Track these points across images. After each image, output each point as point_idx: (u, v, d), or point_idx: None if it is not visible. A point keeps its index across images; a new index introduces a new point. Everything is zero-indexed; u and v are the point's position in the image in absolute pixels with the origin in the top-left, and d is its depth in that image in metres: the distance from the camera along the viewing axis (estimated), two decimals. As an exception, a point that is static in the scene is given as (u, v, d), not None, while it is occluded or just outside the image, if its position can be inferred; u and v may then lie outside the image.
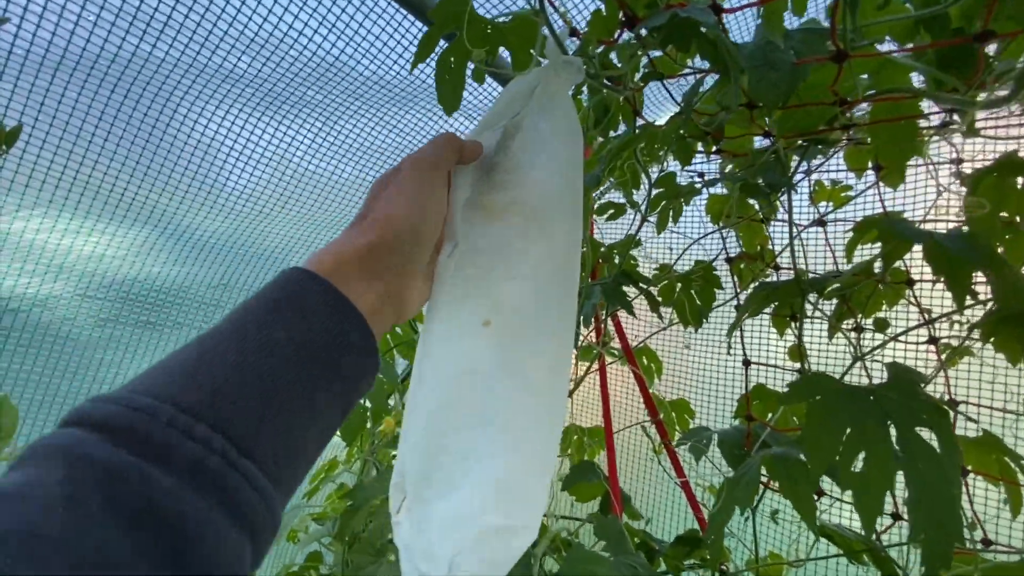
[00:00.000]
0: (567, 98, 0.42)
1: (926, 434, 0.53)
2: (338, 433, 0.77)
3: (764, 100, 0.45)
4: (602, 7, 0.48)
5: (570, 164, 0.41)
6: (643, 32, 0.45)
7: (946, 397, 0.70)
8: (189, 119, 0.76)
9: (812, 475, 0.56)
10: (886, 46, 0.52)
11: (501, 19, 0.44)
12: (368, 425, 0.74)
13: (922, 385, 0.60)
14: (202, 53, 0.68)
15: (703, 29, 0.45)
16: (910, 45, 0.49)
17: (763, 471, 0.64)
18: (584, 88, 0.67)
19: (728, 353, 0.79)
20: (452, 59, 0.45)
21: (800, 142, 0.67)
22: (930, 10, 0.42)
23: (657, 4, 0.45)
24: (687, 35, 0.46)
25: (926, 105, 0.59)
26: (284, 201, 0.90)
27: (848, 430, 0.55)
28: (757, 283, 0.89)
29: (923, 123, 0.58)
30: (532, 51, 0.47)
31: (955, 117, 0.55)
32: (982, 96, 0.41)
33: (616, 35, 0.48)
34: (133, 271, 0.89)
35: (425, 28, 0.73)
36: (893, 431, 0.54)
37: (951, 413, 0.53)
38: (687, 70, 0.55)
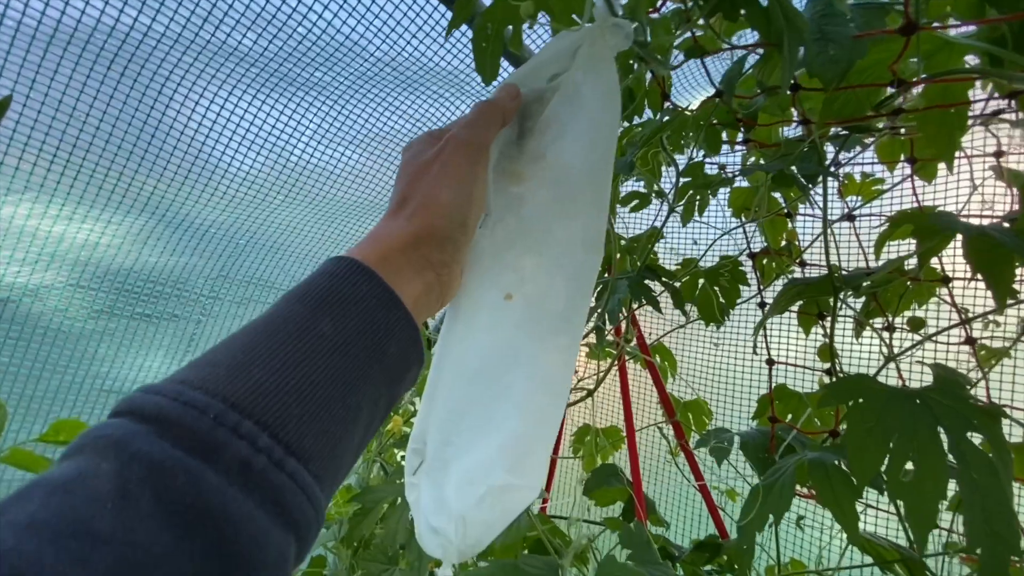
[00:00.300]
0: (611, 65, 0.39)
1: (975, 440, 0.50)
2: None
3: (822, 77, 0.41)
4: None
5: (606, 139, 0.38)
6: (691, 1, 0.42)
7: (985, 401, 0.66)
8: (190, 100, 0.72)
9: (858, 484, 0.53)
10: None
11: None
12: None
13: (968, 388, 0.57)
14: (204, 29, 0.64)
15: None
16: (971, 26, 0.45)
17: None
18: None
19: (754, 352, 0.75)
20: (490, 25, 0.41)
21: (837, 130, 0.63)
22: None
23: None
24: (739, 2, 0.42)
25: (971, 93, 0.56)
26: (288, 189, 0.86)
27: (896, 436, 0.51)
28: (784, 279, 0.86)
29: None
30: (575, 16, 0.43)
31: (1012, 104, 0.51)
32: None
33: (660, 4, 0.45)
34: (128, 261, 0.85)
35: (440, 5, 0.69)
36: (943, 437, 0.51)
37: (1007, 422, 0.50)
38: (726, 47, 0.51)
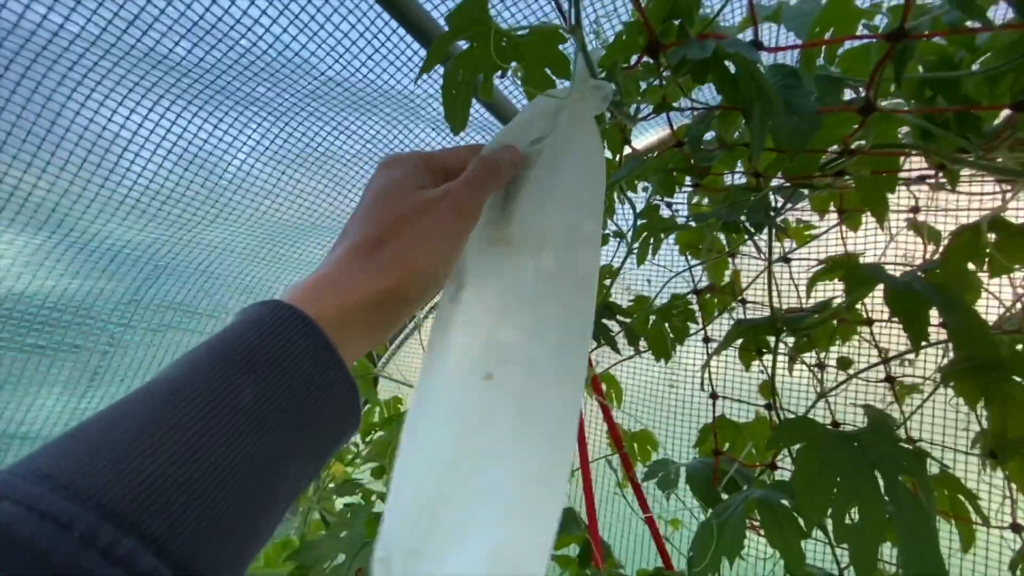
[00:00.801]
0: (594, 127, 0.38)
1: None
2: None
3: (786, 146, 0.43)
4: (621, 28, 0.44)
5: (592, 201, 0.37)
6: (665, 61, 0.42)
7: (904, 435, 0.73)
8: (106, 107, 0.63)
9: (807, 526, 0.55)
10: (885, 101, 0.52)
11: (519, 32, 0.39)
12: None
13: (896, 429, 0.61)
14: (128, 33, 0.57)
15: (729, 64, 0.43)
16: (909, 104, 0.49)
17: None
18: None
19: (702, 389, 0.78)
20: (461, 71, 0.39)
21: (781, 182, 0.67)
22: (945, 74, 0.42)
23: (686, 33, 0.42)
24: (710, 68, 0.43)
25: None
26: (220, 207, 0.78)
27: (839, 480, 0.54)
28: (727, 316, 0.90)
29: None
30: (547, 70, 0.42)
31: (938, 173, 0.57)
32: (999, 159, 0.41)
33: (633, 61, 0.45)
34: (20, 285, 0.73)
35: (400, 28, 0.66)
36: (879, 480, 0.54)
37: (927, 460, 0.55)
38: (694, 106, 0.53)
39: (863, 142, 0.48)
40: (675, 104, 0.52)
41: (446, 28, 0.41)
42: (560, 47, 0.40)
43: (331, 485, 0.73)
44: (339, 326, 0.24)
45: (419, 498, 0.28)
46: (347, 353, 0.24)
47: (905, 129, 0.57)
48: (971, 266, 0.59)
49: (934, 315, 0.59)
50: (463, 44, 0.44)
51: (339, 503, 0.74)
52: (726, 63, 0.43)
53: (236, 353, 0.20)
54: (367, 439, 0.82)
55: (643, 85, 0.53)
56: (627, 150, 0.66)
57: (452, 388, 0.31)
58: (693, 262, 0.84)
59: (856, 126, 0.46)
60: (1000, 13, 0.50)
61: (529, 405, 0.30)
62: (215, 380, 0.19)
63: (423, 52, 0.70)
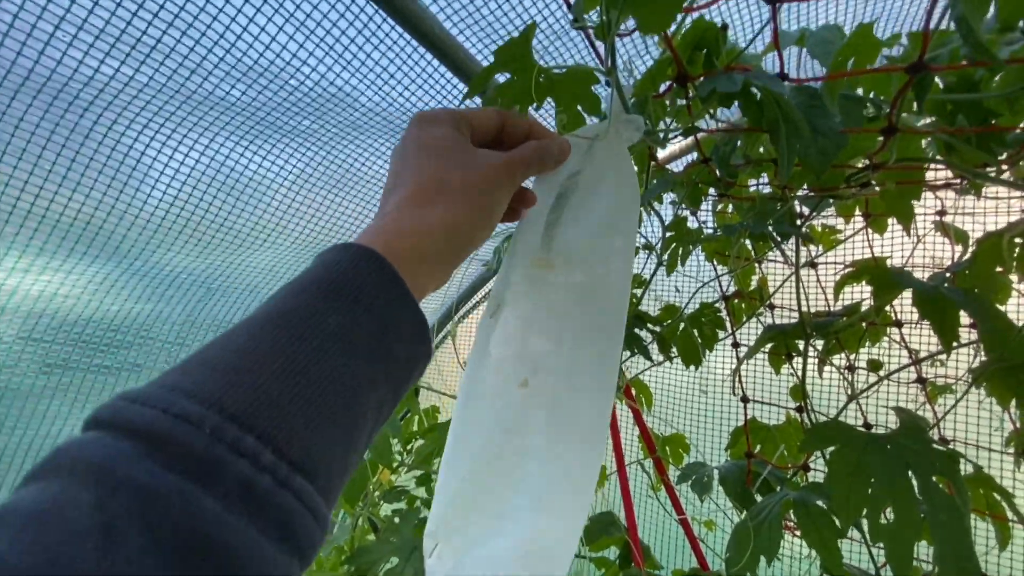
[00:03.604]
0: (627, 158, 0.42)
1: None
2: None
3: (812, 168, 0.45)
4: (651, 62, 0.47)
5: (627, 223, 0.40)
6: (695, 92, 0.45)
7: (936, 436, 0.74)
8: (167, 148, 0.69)
9: (842, 526, 0.57)
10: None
11: (557, 70, 0.42)
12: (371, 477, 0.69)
13: (928, 430, 0.62)
14: (191, 79, 0.62)
15: (755, 92, 0.46)
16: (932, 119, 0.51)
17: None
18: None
19: (733, 393, 0.80)
20: (500, 101, 0.43)
21: (810, 194, 0.69)
22: (966, 96, 0.44)
23: (712, 63, 0.45)
24: (737, 95, 0.46)
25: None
26: (268, 232, 0.83)
27: (874, 481, 0.56)
28: (755, 322, 0.91)
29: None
30: (579, 107, 0.46)
31: (961, 181, 0.58)
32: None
33: (663, 88, 0.48)
34: (88, 311, 0.79)
35: (435, 59, 0.70)
36: (913, 480, 0.55)
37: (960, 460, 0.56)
38: (719, 127, 0.55)
39: (886, 158, 0.50)
40: (700, 125, 0.55)
41: (483, 61, 0.44)
42: (592, 87, 0.43)
43: (377, 493, 0.77)
44: (408, 261, 0.26)
45: (463, 487, 0.32)
46: (417, 287, 0.26)
47: (928, 139, 0.59)
48: (999, 269, 0.61)
49: (964, 316, 0.61)
50: (503, 77, 0.47)
51: (385, 509, 0.78)
52: (752, 90, 0.46)
53: (320, 287, 0.23)
54: (408, 448, 0.86)
55: (669, 106, 0.56)
56: (652, 164, 0.69)
57: (491, 394, 0.34)
58: (721, 270, 0.86)
59: (880, 146, 0.48)
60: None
61: (562, 409, 0.33)
62: (303, 308, 0.22)
63: (456, 81, 0.74)
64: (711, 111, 0.56)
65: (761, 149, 0.64)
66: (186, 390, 0.18)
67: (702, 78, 0.44)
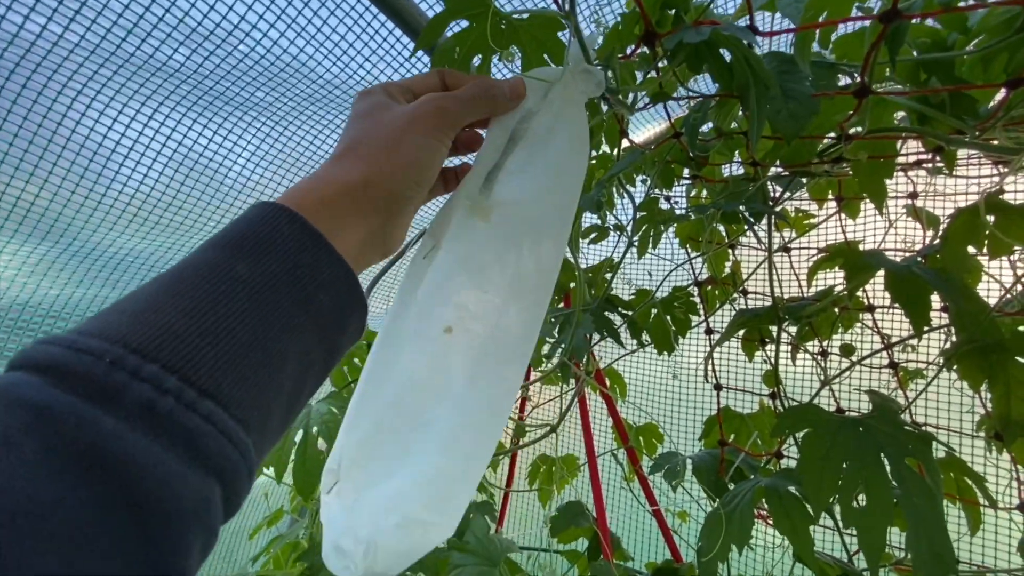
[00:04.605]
0: (581, 109, 0.39)
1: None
2: (290, 481, 0.67)
3: (784, 132, 0.43)
4: (619, 18, 0.44)
5: (572, 180, 0.38)
6: (661, 49, 0.42)
7: (908, 420, 0.73)
8: (106, 116, 0.64)
9: (814, 511, 0.55)
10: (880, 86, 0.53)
11: (519, 15, 0.39)
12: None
13: (900, 413, 0.61)
14: (128, 41, 0.57)
15: (724, 52, 0.44)
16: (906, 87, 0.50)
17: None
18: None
19: (706, 380, 0.78)
20: (458, 48, 0.39)
21: (779, 171, 0.68)
22: (940, 55, 0.42)
23: (682, 22, 0.42)
24: (706, 56, 0.44)
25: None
26: (221, 214, 0.79)
27: (846, 464, 0.54)
28: (727, 310, 0.90)
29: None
30: (546, 56, 0.43)
31: (935, 156, 0.57)
32: (996, 141, 0.42)
33: (630, 51, 0.45)
34: (24, 295, 0.73)
35: (396, 29, 0.67)
36: (885, 463, 0.54)
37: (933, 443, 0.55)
38: (689, 95, 0.53)
39: (859, 128, 0.48)
40: (672, 95, 0.53)
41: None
42: (559, 34, 0.40)
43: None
44: (324, 213, 0.26)
45: (371, 427, 0.31)
46: (343, 237, 0.26)
47: (901, 114, 0.58)
48: (971, 249, 0.60)
49: (935, 300, 0.60)
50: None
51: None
52: (721, 51, 0.43)
53: (227, 239, 0.23)
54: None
55: (640, 77, 0.53)
56: (624, 144, 0.67)
57: (411, 334, 0.34)
58: (693, 255, 0.84)
59: (851, 112, 0.46)
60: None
61: (483, 360, 0.33)
62: (212, 259, 0.22)
63: (423, 57, 0.71)
64: (680, 81, 0.54)
65: (734, 125, 0.62)
66: (91, 331, 0.18)
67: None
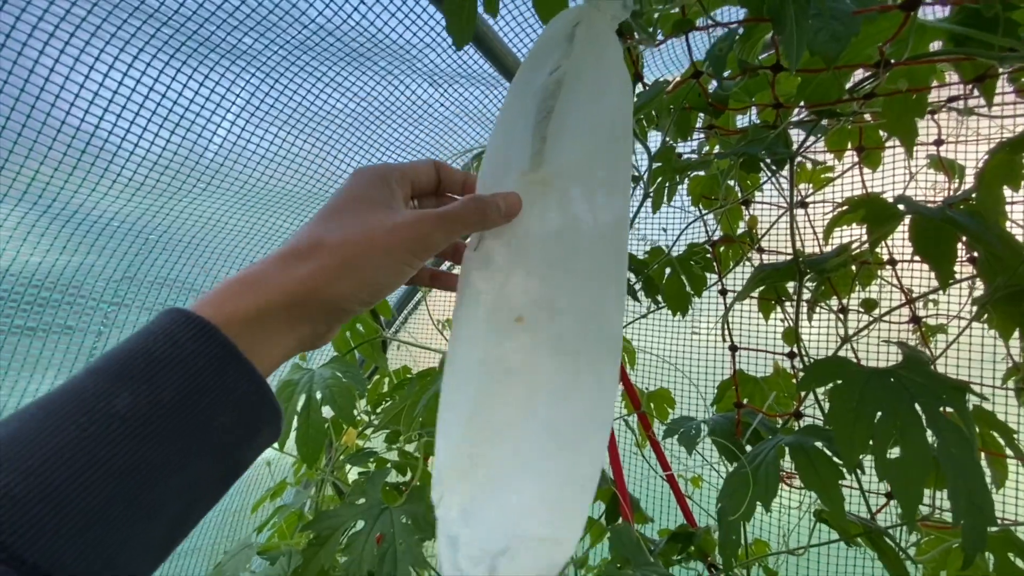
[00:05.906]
0: (614, 41, 0.35)
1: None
2: (294, 451, 0.64)
3: (824, 54, 0.40)
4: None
5: (620, 126, 0.34)
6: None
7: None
8: (82, 64, 0.59)
9: (846, 464, 0.53)
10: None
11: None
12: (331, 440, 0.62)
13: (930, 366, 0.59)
14: (101, -25, 0.52)
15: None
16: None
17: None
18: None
19: (723, 340, 0.76)
20: None
21: (800, 117, 0.64)
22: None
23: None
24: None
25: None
26: (211, 175, 0.74)
27: (879, 415, 0.52)
28: (742, 270, 0.87)
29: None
30: None
31: (973, 90, 0.54)
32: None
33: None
34: (4, 262, 0.69)
35: (392, -30, 0.62)
36: (920, 413, 0.52)
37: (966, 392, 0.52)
38: (713, 23, 0.49)
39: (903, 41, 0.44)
40: (696, 24, 0.49)
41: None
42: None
43: (342, 456, 0.71)
44: (254, 325, 0.24)
45: (467, 431, 0.28)
46: (265, 352, 0.24)
47: (938, 44, 0.54)
48: (1007, 191, 0.57)
49: (960, 251, 0.57)
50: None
51: (352, 473, 0.72)
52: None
53: (115, 362, 0.21)
54: (378, 410, 0.80)
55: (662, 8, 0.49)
56: (639, 88, 0.63)
57: (484, 332, 0.31)
58: (710, 213, 0.81)
59: (893, 34, 0.43)
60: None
61: (563, 345, 0.30)
62: (89, 390, 0.20)
63: (420, 2, 0.66)
64: (708, 10, 0.50)
65: (759, 59, 0.58)
66: None
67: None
